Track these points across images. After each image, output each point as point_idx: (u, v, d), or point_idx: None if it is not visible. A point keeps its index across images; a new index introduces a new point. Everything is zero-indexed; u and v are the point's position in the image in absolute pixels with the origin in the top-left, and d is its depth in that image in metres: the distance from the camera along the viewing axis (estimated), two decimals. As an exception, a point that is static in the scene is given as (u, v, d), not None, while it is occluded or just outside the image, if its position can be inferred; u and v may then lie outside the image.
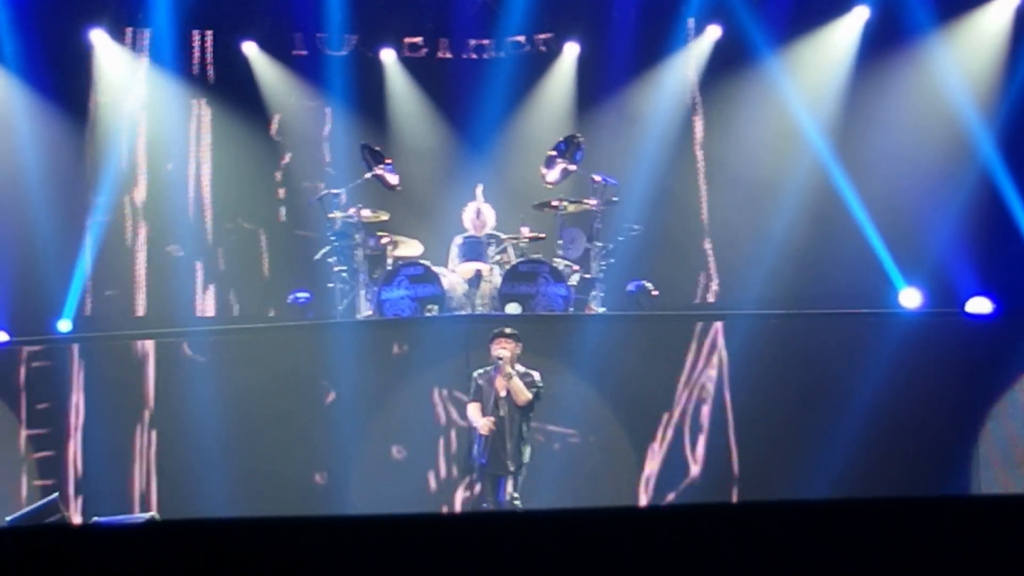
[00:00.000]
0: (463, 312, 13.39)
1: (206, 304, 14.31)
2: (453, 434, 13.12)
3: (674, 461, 13.15)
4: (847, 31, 15.19)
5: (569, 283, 13.39)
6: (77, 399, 13.31)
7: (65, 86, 14.94)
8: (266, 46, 15.31)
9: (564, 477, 12.49)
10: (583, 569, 4.15)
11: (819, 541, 4.19)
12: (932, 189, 14.62)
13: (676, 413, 13.21)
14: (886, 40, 14.96)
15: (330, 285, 13.82)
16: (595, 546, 4.18)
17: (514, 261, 13.51)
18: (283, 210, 15.05)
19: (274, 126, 15.07)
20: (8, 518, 10.83)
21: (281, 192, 14.99)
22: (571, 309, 13.39)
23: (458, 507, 12.95)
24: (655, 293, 14.17)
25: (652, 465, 13.13)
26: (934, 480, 13.31)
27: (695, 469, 13.19)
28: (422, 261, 13.51)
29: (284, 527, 4.30)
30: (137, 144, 14.64)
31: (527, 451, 11.88)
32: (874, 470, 13.25)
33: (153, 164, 14.53)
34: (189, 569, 4.13)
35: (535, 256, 13.55)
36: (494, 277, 13.41)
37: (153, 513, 12.48)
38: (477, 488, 11.98)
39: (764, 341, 13.62)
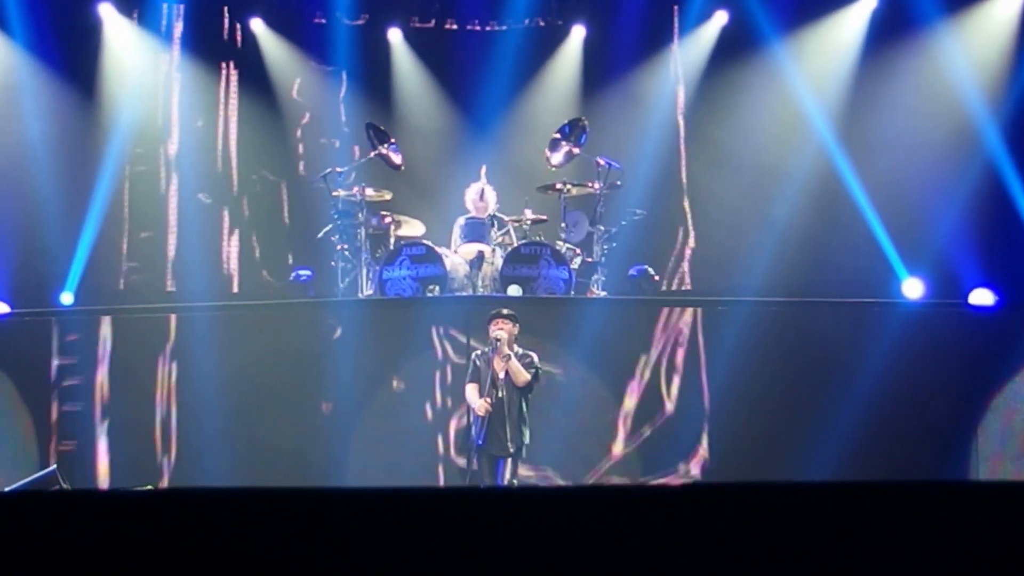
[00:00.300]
0: (464, 293, 13.39)
1: (231, 249, 15.09)
2: (448, 368, 13.55)
3: (650, 398, 13.63)
4: (854, 19, 15.16)
5: (571, 266, 13.38)
6: (105, 331, 13.90)
7: (72, 60, 15.01)
8: (274, 23, 15.43)
9: (548, 412, 12.49)
10: (578, 547, 4.16)
11: (816, 523, 4.19)
12: (937, 180, 14.60)
13: (653, 355, 13.63)
14: (893, 29, 14.93)
15: (332, 263, 13.84)
16: (591, 525, 4.18)
17: (516, 243, 13.50)
18: (302, 164, 15.51)
19: (295, 88, 15.44)
20: (7, 488, 10.87)
21: (300, 148, 15.55)
22: (572, 292, 13.39)
23: (452, 435, 13.44)
24: (656, 278, 14.20)
25: (630, 402, 13.60)
26: (933, 470, 13.32)
27: (669, 406, 13.66)
28: (424, 241, 13.51)
29: (284, 498, 4.31)
30: (171, 102, 15.24)
31: (527, 432, 11.88)
32: (873, 459, 13.27)
33: (185, 121, 15.24)
34: (188, 538, 4.14)
35: (537, 238, 13.55)
36: (496, 259, 13.39)
37: (149, 485, 12.55)
38: (475, 464, 11.97)
39: (765, 328, 13.62)
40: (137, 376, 13.81)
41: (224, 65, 15.41)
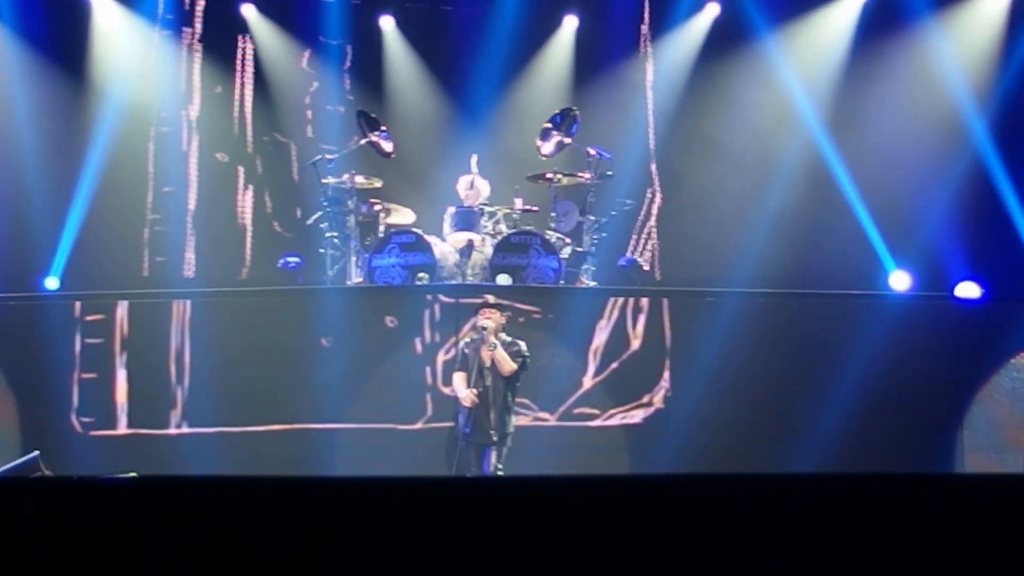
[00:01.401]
0: (454, 282, 13.39)
1: (245, 202, 15.72)
2: (436, 308, 14.85)
3: (617, 336, 14.74)
4: (844, 13, 15.16)
5: (561, 256, 13.37)
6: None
7: (61, 42, 14.99)
8: (265, 9, 15.57)
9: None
10: (565, 535, 4.16)
11: (802, 515, 4.20)
12: (925, 173, 14.63)
13: (620, 298, 14.77)
14: (883, 23, 14.95)
15: (321, 250, 13.83)
16: (579, 513, 4.19)
17: (506, 232, 13.49)
18: (310, 128, 15.88)
19: (304, 59, 15.81)
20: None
21: (309, 114, 15.92)
22: (562, 282, 13.40)
23: (440, 366, 14.57)
24: (646, 268, 14.21)
25: (600, 339, 14.72)
26: (918, 462, 13.36)
27: (635, 343, 14.76)
28: (414, 229, 13.48)
29: (270, 486, 4.31)
30: (192, 70, 15.70)
31: (511, 421, 11.93)
32: (859, 451, 13.30)
33: (205, 86, 15.76)
34: (171, 525, 4.13)
35: (527, 228, 13.53)
36: (486, 248, 13.38)
37: (134, 472, 12.50)
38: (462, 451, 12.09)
39: (753, 320, 13.65)
40: (154, 315, 14.80)
41: (241, 38, 15.87)
